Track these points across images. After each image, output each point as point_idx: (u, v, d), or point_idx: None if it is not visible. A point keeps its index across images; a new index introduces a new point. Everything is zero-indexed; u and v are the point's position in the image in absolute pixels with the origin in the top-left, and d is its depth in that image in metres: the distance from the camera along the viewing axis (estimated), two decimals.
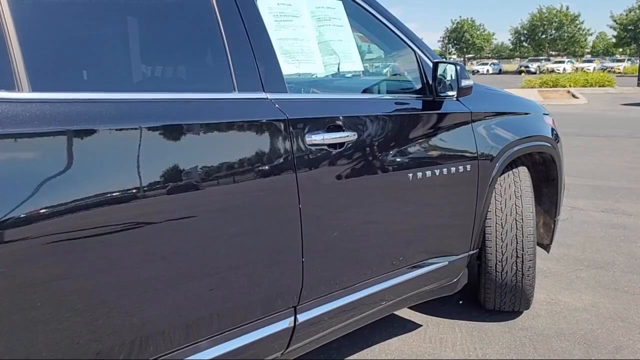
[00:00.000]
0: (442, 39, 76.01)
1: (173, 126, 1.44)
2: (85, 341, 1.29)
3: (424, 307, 2.91)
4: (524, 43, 67.84)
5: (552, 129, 2.96)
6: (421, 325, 2.78)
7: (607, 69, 39.48)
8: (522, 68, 48.85)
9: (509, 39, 71.77)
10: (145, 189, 1.35)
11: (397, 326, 2.77)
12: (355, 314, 2.07)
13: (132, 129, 1.36)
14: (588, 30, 64.93)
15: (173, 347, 1.48)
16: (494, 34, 79.08)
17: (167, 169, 1.41)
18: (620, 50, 65.76)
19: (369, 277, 2.04)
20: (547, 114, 3.06)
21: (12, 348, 1.17)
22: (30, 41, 1.26)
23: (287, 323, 1.77)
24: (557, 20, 62.30)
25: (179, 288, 1.47)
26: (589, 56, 65.72)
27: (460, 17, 76.24)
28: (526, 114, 2.86)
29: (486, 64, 56.24)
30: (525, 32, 66.82)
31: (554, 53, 65.30)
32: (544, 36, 64.35)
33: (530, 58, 59.96)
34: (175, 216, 1.43)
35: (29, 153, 1.22)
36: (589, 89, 22.09)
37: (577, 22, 62.34)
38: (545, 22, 63.22)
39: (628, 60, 52.77)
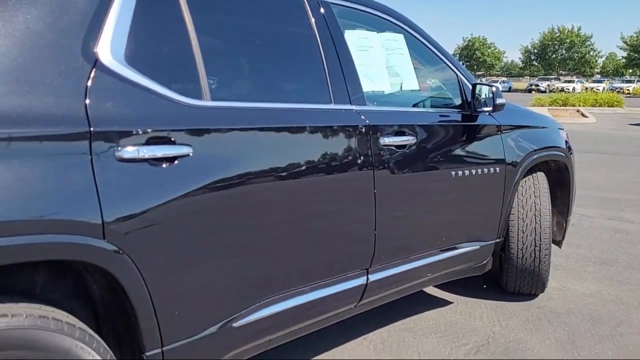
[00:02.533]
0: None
1: (296, 127, 2.00)
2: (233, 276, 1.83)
3: (453, 289, 3.43)
4: (534, 62, 68.44)
5: (566, 141, 3.50)
6: (452, 302, 3.30)
7: (617, 90, 39.94)
8: (532, 86, 49.40)
9: (520, 58, 72.50)
10: (280, 170, 1.91)
11: (433, 302, 3.30)
12: (408, 281, 2.61)
13: (272, 128, 1.93)
14: (599, 52, 65.53)
15: (290, 287, 2.02)
16: (504, 52, 79.85)
17: (290, 157, 1.96)
18: (630, 71, 66.23)
19: (421, 252, 2.58)
20: (561, 129, 3.60)
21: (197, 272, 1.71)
22: (211, 67, 1.82)
23: (362, 281, 2.31)
24: (568, 40, 62.90)
25: (294, 249, 2.02)
26: (598, 76, 66.12)
27: (472, 35, 77.14)
28: (544, 127, 3.39)
29: (496, 81, 56.84)
30: (535, 51, 67.47)
31: (563, 72, 65.87)
32: (554, 56, 64.96)
33: (540, 77, 60.49)
34: (292, 191, 1.98)
35: (209, 141, 1.76)
36: (598, 109, 22.56)
37: (589, 43, 62.91)
38: (556, 42, 63.83)
39: (638, 81, 53.22)
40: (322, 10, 2.26)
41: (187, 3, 1.80)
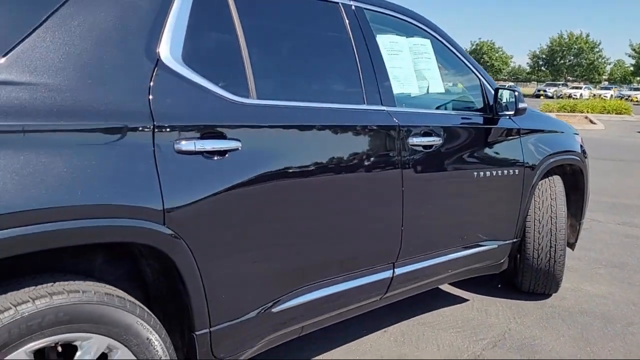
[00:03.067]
0: None
1: (332, 125, 2.12)
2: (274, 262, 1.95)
3: (468, 287, 3.55)
4: (542, 67, 68.33)
5: (581, 146, 3.60)
6: (468, 300, 3.41)
7: (624, 97, 39.89)
8: (541, 92, 49.36)
9: (527, 63, 72.31)
10: (317, 165, 2.03)
11: (449, 299, 3.41)
12: (430, 277, 2.72)
13: (311, 126, 2.04)
14: (607, 59, 65.38)
15: (323, 277, 2.14)
16: (512, 57, 79.70)
17: (326, 154, 2.08)
18: (638, 78, 66.03)
19: (443, 249, 2.70)
20: (577, 134, 3.70)
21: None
22: (256, 67, 1.94)
23: (388, 274, 2.42)
24: (576, 46, 62.77)
25: (329, 240, 2.14)
26: (606, 83, 65.96)
27: (480, 39, 77.07)
28: (561, 132, 3.50)
29: (503, 86, 56.66)
30: (544, 56, 67.37)
31: (571, 79, 65.73)
32: (562, 61, 64.84)
33: (547, 82, 60.41)
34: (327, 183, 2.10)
35: (255, 137, 1.88)
36: (606, 116, 22.59)
37: (597, 49, 62.74)
38: (564, 48, 63.70)
39: None
40: (356, 15, 2.38)
41: (237, 10, 1.92)
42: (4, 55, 1.42)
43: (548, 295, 3.46)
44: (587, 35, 62.94)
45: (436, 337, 2.90)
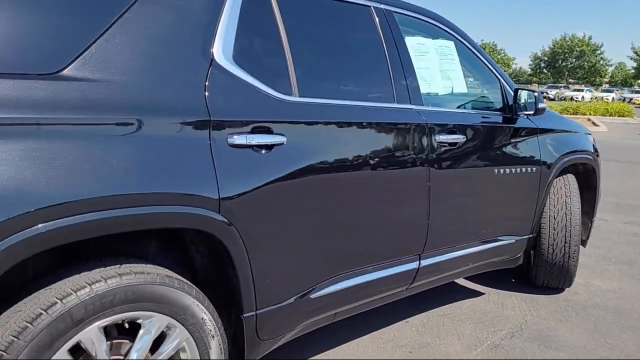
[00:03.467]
0: None
1: (366, 122, 2.24)
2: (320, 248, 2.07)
3: (484, 282, 3.66)
4: (544, 70, 68.39)
5: (594, 146, 3.72)
6: (484, 294, 3.53)
7: (626, 100, 40.00)
8: (544, 94, 49.45)
9: (529, 65, 72.37)
10: (352, 159, 2.15)
11: (466, 292, 3.52)
12: (452, 269, 2.84)
13: (347, 122, 2.16)
14: (609, 61, 65.44)
15: (356, 266, 2.26)
16: (514, 59, 79.82)
17: (360, 149, 2.20)
18: (639, 81, 66.12)
19: (465, 242, 2.81)
20: (589, 134, 3.82)
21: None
22: (298, 67, 2.06)
23: (414, 265, 2.54)
24: (578, 49, 62.82)
25: (363, 231, 2.25)
26: (607, 86, 66.00)
27: (482, 40, 77.16)
28: (575, 132, 3.61)
29: None
30: (546, 58, 67.45)
31: (572, 81, 65.79)
32: (564, 64, 64.91)
33: (549, 84, 60.50)
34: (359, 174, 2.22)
35: (298, 132, 2.00)
36: (608, 118, 22.70)
37: (599, 52, 62.79)
38: (566, 50, 63.75)
39: None
40: (386, 17, 2.50)
41: (281, 14, 2.04)
42: (79, 55, 1.53)
43: (561, 290, 3.58)
44: (590, 38, 62.98)
45: (456, 327, 3.02)
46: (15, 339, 1.39)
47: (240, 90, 1.85)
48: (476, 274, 3.27)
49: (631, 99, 42.36)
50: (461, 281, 3.69)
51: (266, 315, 1.94)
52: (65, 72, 1.50)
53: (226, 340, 1.85)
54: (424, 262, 2.59)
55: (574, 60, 64.26)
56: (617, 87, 64.01)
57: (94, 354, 1.52)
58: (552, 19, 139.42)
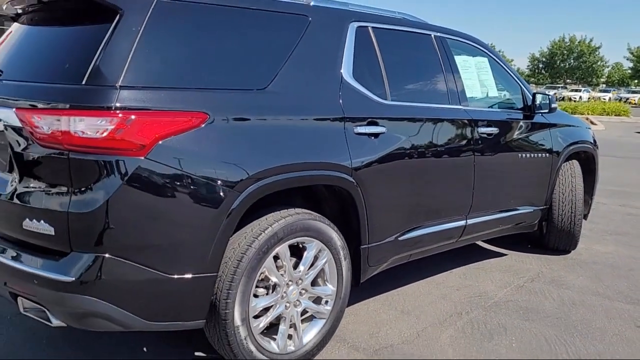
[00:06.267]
0: None
1: (433, 118, 3.17)
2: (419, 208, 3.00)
3: (506, 246, 4.59)
4: (542, 70, 69.35)
5: (593, 137, 4.65)
6: (507, 254, 4.46)
7: (623, 100, 41.03)
8: None
9: (527, 66, 73.34)
10: (426, 144, 3.08)
11: (492, 253, 4.46)
12: (487, 229, 3.77)
13: (422, 118, 3.09)
14: (606, 62, 66.40)
15: (429, 220, 3.19)
16: (512, 60, 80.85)
17: (430, 137, 3.13)
18: (636, 81, 67.14)
19: (497, 208, 3.74)
20: (589, 128, 4.76)
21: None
22: (390, 80, 2.98)
23: (463, 223, 3.47)
24: (577, 50, 63.67)
25: (433, 194, 3.18)
26: (604, 86, 67.01)
27: None
28: (578, 126, 4.55)
29: None
30: (544, 59, 68.41)
31: (570, 81, 66.75)
32: (562, 64, 65.85)
33: (547, 85, 61.48)
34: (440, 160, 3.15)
35: (392, 124, 2.91)
36: (606, 117, 23.67)
37: (597, 53, 63.64)
38: (565, 51, 64.65)
39: None
40: (442, 43, 3.43)
41: (378, 46, 2.97)
42: (268, 85, 2.44)
43: (568, 252, 4.51)
44: (591, 40, 63.62)
45: (488, 275, 3.95)
46: (249, 247, 2.31)
47: (359, 97, 2.78)
48: (503, 235, 4.20)
49: (627, 99, 43.37)
50: (488, 245, 4.63)
51: (374, 248, 2.86)
52: (268, 88, 2.43)
53: (350, 263, 2.77)
54: (469, 221, 3.51)
55: (572, 61, 65.16)
56: (615, 87, 65.00)
57: (284, 262, 2.45)
58: (549, 20, 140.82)
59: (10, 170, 2.19)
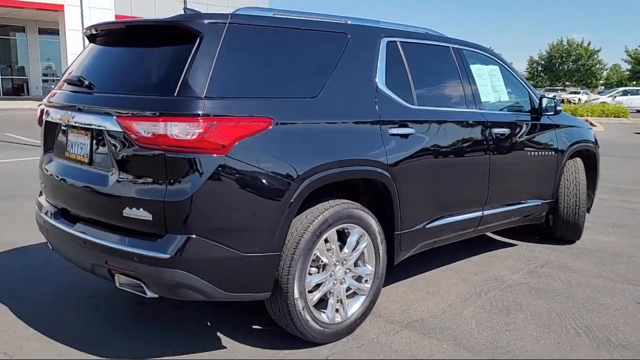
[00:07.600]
0: None
1: (453, 121, 3.59)
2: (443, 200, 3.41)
3: (516, 237, 5.00)
4: (541, 73, 69.82)
5: (594, 137, 5.08)
6: (517, 245, 4.88)
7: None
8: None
9: (526, 69, 73.82)
10: (449, 143, 3.50)
11: (503, 244, 4.88)
12: (501, 220, 4.18)
13: (444, 120, 3.51)
14: (605, 65, 66.89)
15: (451, 211, 3.60)
16: (511, 63, 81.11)
17: (452, 137, 3.54)
18: (634, 83, 67.55)
19: (509, 201, 4.16)
20: (590, 128, 5.18)
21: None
22: (416, 87, 3.40)
23: (480, 213, 3.88)
24: (576, 53, 64.14)
25: (455, 189, 3.60)
26: (602, 88, 67.38)
27: None
28: (580, 127, 4.97)
29: None
30: (542, 62, 68.89)
31: (568, 84, 67.17)
32: (561, 67, 66.32)
33: (546, 87, 61.91)
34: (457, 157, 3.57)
35: (419, 126, 3.33)
36: (605, 119, 24.08)
37: (596, 56, 64.10)
38: (564, 54, 65.11)
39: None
40: (459, 53, 3.86)
41: (406, 57, 3.39)
42: (318, 93, 2.86)
43: (573, 242, 4.92)
44: (589, 44, 64.08)
45: (501, 262, 4.36)
46: (305, 231, 2.72)
47: (391, 103, 3.20)
48: (513, 226, 4.60)
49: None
50: (500, 237, 5.04)
51: (405, 235, 3.28)
52: (319, 96, 2.85)
53: (386, 247, 3.18)
54: (486, 212, 3.93)
55: (570, 63, 65.61)
56: (613, 89, 65.31)
57: (333, 245, 2.86)
58: (547, 23, 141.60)
59: (109, 168, 2.61)
